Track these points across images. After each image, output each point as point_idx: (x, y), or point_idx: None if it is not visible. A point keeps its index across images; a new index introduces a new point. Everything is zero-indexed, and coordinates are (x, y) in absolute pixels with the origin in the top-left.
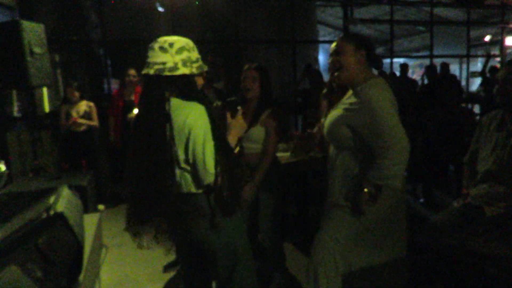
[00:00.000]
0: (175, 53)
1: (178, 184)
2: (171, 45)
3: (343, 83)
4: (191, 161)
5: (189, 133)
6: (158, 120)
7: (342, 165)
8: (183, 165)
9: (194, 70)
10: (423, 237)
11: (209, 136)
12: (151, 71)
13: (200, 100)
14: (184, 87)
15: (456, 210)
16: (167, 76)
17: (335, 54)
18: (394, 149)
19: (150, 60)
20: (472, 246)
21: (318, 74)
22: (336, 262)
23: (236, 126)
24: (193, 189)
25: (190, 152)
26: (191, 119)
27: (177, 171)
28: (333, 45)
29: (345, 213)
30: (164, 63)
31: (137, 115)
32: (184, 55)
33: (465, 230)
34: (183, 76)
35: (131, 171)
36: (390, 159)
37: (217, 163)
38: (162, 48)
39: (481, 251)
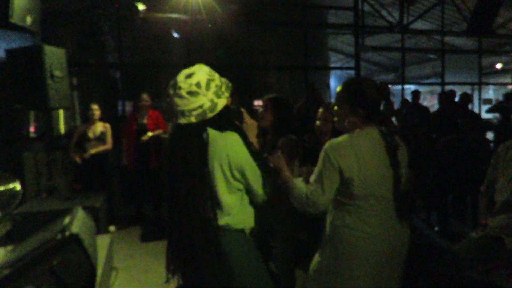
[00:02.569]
0: (206, 91)
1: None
2: (198, 85)
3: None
4: (247, 184)
5: (232, 164)
6: (199, 166)
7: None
8: (231, 196)
9: (227, 94)
10: (445, 268)
11: (252, 161)
12: (193, 119)
13: (234, 128)
14: (224, 119)
15: (476, 241)
16: (209, 118)
17: (335, 106)
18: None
19: (183, 108)
20: (495, 280)
21: (318, 95)
22: None
23: (250, 127)
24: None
25: (238, 181)
26: (231, 150)
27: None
28: (338, 89)
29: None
30: (201, 106)
31: (171, 159)
32: (213, 86)
33: (488, 263)
34: (223, 108)
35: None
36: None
37: (266, 184)
38: (191, 93)
39: (505, 285)
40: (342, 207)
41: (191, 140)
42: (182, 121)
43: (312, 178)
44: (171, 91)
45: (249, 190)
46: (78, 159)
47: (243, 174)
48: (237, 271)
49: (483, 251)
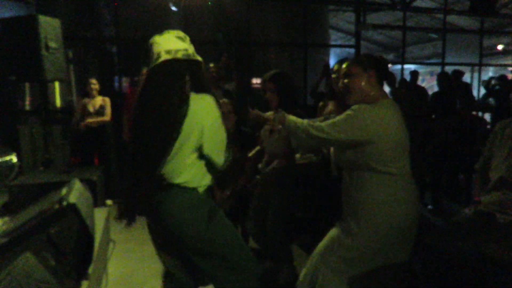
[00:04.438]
0: (189, 44)
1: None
2: (184, 37)
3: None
4: (205, 150)
5: (204, 124)
6: (177, 104)
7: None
8: (190, 156)
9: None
10: (434, 240)
11: (218, 126)
12: (179, 55)
13: (209, 92)
14: (200, 74)
15: (468, 217)
16: (190, 61)
17: (344, 77)
18: None
19: (169, 47)
20: (487, 252)
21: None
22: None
23: (227, 117)
24: (192, 184)
25: (205, 140)
26: (203, 109)
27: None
28: (344, 66)
29: (344, 234)
30: (186, 50)
31: (147, 97)
32: (193, 47)
33: (478, 236)
34: (200, 63)
35: (132, 156)
36: None
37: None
38: (179, 38)
39: (495, 256)
40: (377, 176)
41: (173, 75)
42: (165, 57)
43: (329, 122)
44: (157, 36)
45: (204, 153)
46: (83, 124)
47: (204, 135)
48: (191, 231)
49: (475, 225)
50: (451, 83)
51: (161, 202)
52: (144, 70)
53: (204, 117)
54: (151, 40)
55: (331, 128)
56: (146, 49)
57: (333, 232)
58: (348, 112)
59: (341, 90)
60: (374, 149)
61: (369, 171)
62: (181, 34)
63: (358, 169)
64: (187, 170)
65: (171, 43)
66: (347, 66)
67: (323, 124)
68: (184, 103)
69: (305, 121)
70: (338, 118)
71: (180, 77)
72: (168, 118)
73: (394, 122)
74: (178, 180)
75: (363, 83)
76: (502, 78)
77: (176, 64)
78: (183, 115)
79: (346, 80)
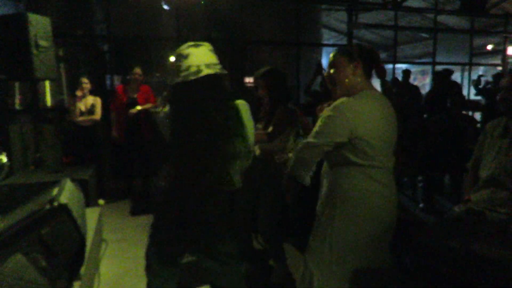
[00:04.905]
0: (216, 58)
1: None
2: (214, 50)
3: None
4: (251, 148)
5: (249, 126)
6: (230, 113)
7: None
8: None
9: None
10: (424, 239)
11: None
12: (218, 69)
13: (239, 98)
14: (227, 85)
15: (458, 215)
16: (223, 74)
17: (330, 67)
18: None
19: (209, 61)
20: (476, 250)
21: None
22: (331, 269)
23: None
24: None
25: (251, 140)
26: (247, 113)
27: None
28: (331, 56)
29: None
30: (218, 64)
31: (196, 110)
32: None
33: (468, 234)
34: (227, 76)
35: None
36: None
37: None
38: (212, 51)
39: (485, 254)
40: (356, 169)
41: (221, 88)
42: (207, 71)
43: (313, 131)
44: (193, 48)
45: (250, 151)
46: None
47: (250, 136)
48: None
49: (465, 223)
50: (447, 82)
51: (214, 204)
52: (137, 69)
53: (249, 119)
54: (185, 50)
55: (316, 139)
56: (176, 58)
57: (317, 232)
58: (327, 114)
59: (327, 82)
60: (357, 143)
61: (352, 165)
62: (211, 46)
63: (342, 164)
64: (238, 173)
65: (209, 57)
66: (333, 56)
67: (308, 138)
68: (235, 112)
69: (298, 147)
70: (318, 123)
71: (226, 91)
72: (224, 129)
73: (375, 114)
74: (230, 184)
75: (347, 74)
76: (497, 76)
77: (219, 79)
78: (240, 123)
79: (331, 71)
